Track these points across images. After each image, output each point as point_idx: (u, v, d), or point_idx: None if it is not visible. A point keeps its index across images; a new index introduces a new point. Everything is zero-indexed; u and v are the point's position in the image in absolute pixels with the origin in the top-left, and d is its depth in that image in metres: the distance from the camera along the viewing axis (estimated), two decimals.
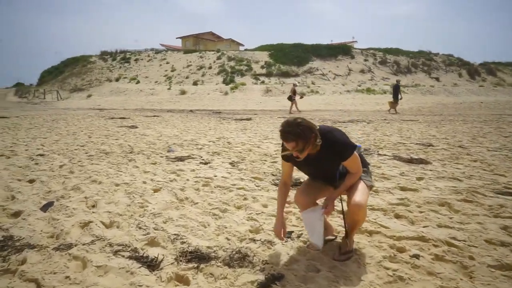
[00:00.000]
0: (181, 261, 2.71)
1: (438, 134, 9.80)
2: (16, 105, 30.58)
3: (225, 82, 37.84)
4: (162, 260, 2.72)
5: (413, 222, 3.46)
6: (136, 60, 46.73)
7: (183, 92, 34.71)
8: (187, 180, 5.15)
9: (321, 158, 2.69)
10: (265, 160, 6.51)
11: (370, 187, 2.82)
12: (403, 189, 4.53)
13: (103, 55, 48.44)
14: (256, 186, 4.80)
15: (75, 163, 6.24)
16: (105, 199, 4.17)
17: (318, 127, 2.63)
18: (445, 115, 17.34)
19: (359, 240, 3.05)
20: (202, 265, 2.64)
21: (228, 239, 3.15)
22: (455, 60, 48.27)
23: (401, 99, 19.59)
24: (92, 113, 19.55)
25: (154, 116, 17.21)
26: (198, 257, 2.74)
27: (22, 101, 35.00)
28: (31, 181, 5.04)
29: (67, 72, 45.34)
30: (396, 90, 19.38)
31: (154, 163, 6.30)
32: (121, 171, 5.65)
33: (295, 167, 2.89)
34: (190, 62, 43.88)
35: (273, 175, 5.47)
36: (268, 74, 39.76)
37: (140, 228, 3.34)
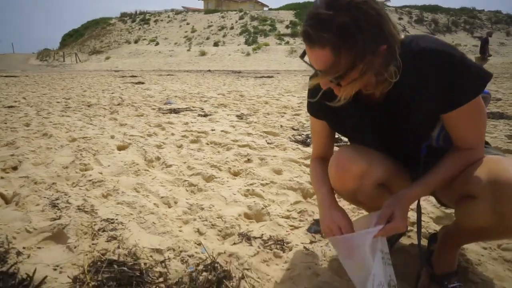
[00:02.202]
0: None
1: (502, 90, 7.82)
2: (35, 67, 29.95)
3: (247, 42, 35.70)
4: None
5: None
6: (155, 21, 45.01)
7: (203, 53, 32.98)
8: (172, 134, 3.67)
9: (398, 105, 1.14)
10: (284, 113, 4.93)
11: None
12: None
13: (123, 17, 47.00)
14: (268, 143, 3.27)
15: (41, 115, 4.89)
16: (36, 159, 2.77)
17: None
18: (497, 73, 14.86)
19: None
20: None
21: (201, 234, 1.67)
22: (503, 17, 43.38)
23: (489, 56, 15.11)
24: (105, 73, 18.31)
25: (168, 75, 15.74)
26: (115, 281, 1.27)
27: (42, 64, 34.44)
28: None
29: (87, 35, 44.38)
30: (485, 45, 14.63)
31: (139, 115, 4.86)
32: (91, 124, 4.24)
33: (336, 132, 1.40)
34: (211, 22, 41.73)
35: (293, 129, 3.90)
36: (293, 34, 37.10)
37: (54, 206, 1.90)
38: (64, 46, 44.77)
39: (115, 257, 1.43)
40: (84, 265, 1.38)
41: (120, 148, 3.19)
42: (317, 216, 1.80)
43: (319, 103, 1.17)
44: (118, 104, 5.95)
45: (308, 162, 2.78)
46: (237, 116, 4.77)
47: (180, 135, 3.64)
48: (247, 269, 1.34)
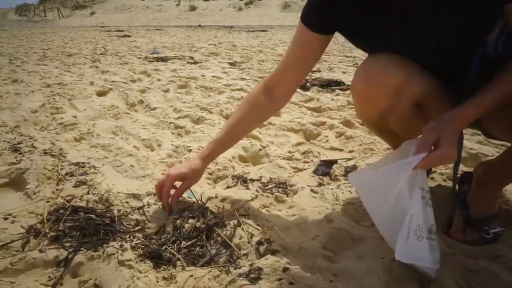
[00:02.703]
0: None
1: None
2: (14, 23, 28.32)
3: None
4: None
5: None
6: None
7: (192, 8, 31.44)
8: (158, 80, 3.33)
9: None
10: (279, 60, 4.56)
11: None
12: None
13: None
14: None
15: (14, 63, 4.46)
16: (1, 104, 2.43)
17: None
18: None
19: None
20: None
21: None
22: None
23: None
24: (90, 29, 17.32)
25: (157, 30, 14.92)
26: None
27: (22, 20, 32.62)
28: None
29: None
30: None
31: (123, 63, 4.47)
32: (68, 71, 3.86)
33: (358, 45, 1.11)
34: None
35: None
36: None
37: (15, 150, 1.61)
38: (45, 1, 42.37)
39: (83, 204, 1.17)
40: (44, 213, 1.12)
41: (100, 93, 2.86)
42: (324, 157, 1.55)
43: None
44: (101, 54, 5.51)
45: (309, 104, 2.50)
46: (230, 63, 4.41)
47: (167, 80, 3.30)
48: (244, 215, 1.10)
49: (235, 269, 0.90)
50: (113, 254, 0.90)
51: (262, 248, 0.96)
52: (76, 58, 4.99)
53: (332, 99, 2.55)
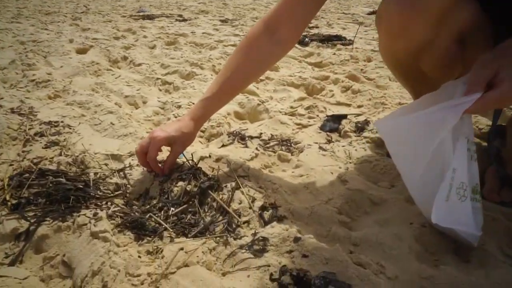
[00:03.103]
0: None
1: None
2: None
3: None
4: None
5: None
6: None
7: None
8: (144, 37, 3.06)
9: None
10: None
11: None
12: None
13: None
14: None
15: None
16: None
17: None
18: None
19: None
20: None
21: None
22: None
23: None
24: None
25: None
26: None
27: None
28: None
29: None
30: None
31: (107, 21, 4.14)
32: (45, 29, 3.54)
33: None
34: None
35: None
36: None
37: None
38: None
39: (54, 167, 1.00)
40: (4, 178, 0.94)
41: (80, 51, 2.60)
42: (330, 112, 1.37)
43: None
44: (82, 12, 5.12)
45: (309, 59, 2.29)
46: (221, 21, 4.10)
47: (154, 37, 3.03)
48: (244, 177, 0.93)
49: (234, 239, 0.74)
50: (85, 224, 0.74)
51: (266, 214, 0.80)
52: (55, 17, 4.62)
53: (334, 54, 2.34)
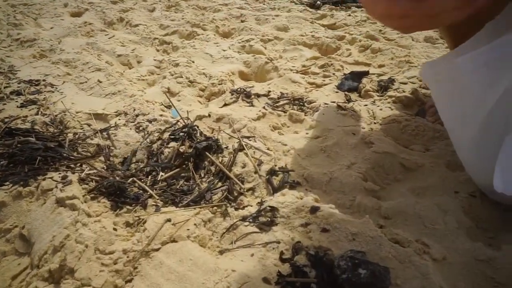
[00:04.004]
0: None
1: None
2: None
3: None
4: None
5: None
6: None
7: None
8: (144, 1, 2.85)
9: None
10: None
11: None
12: None
13: None
14: (268, 6, 2.50)
15: None
16: None
17: None
18: None
19: None
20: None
21: (173, 94, 1.07)
22: None
23: None
24: None
25: None
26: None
27: None
28: None
29: None
30: None
31: None
32: None
33: None
34: None
35: None
36: None
37: None
38: None
39: (27, 126, 0.85)
40: None
41: (74, 14, 2.42)
42: (348, 70, 1.20)
43: None
44: None
45: (322, 21, 2.08)
46: None
47: (154, 0, 2.83)
48: (248, 137, 0.78)
49: (236, 210, 0.60)
50: (51, 189, 0.60)
51: (275, 180, 0.65)
52: None
53: (349, 15, 2.13)
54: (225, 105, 0.98)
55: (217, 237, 0.55)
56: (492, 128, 0.52)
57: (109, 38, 1.69)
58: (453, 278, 0.48)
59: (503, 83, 0.50)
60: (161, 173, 0.70)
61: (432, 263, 0.48)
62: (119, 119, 0.89)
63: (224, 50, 1.45)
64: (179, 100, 1.02)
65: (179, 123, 0.83)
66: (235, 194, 0.64)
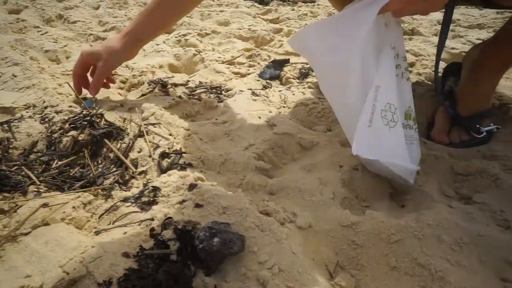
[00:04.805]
0: None
1: None
2: None
3: None
4: None
5: None
6: None
7: None
8: None
9: None
10: None
11: None
12: None
13: None
14: (213, 0, 2.50)
15: None
16: None
17: None
18: None
19: None
20: None
21: None
22: None
23: None
24: None
25: None
26: None
27: None
28: None
29: None
30: None
31: None
32: None
33: None
34: None
35: None
36: None
37: None
38: None
39: None
40: None
41: (13, 11, 2.33)
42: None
43: None
44: None
45: (266, 16, 2.11)
46: None
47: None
48: (154, 124, 0.78)
49: (122, 191, 0.59)
50: None
51: (166, 162, 0.65)
52: None
53: (293, 9, 2.17)
54: (142, 95, 0.97)
55: (95, 219, 0.55)
56: (354, 95, 0.54)
57: (41, 35, 1.64)
58: (316, 243, 0.51)
59: (352, 47, 0.50)
60: (56, 161, 0.68)
61: (294, 230, 0.50)
62: (27, 112, 0.87)
63: (157, 44, 1.44)
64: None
65: (84, 112, 0.81)
66: (127, 177, 0.64)
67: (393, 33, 0.53)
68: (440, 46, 0.70)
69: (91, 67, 0.93)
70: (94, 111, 0.83)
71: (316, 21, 0.57)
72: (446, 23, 0.65)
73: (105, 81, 0.93)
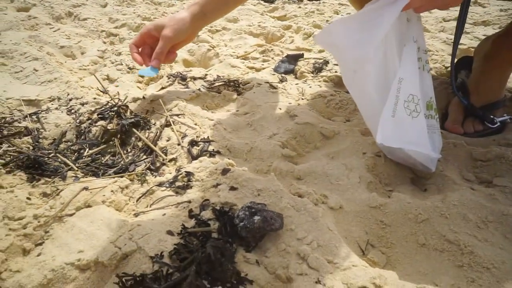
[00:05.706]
0: None
1: None
2: None
3: None
4: None
5: None
6: None
7: None
8: None
9: None
10: None
11: None
12: None
13: None
14: None
15: None
16: None
17: None
18: None
19: None
20: None
21: (111, 81, 1.08)
22: None
23: None
24: None
25: None
26: None
27: None
28: None
29: None
30: None
31: None
32: None
33: None
34: None
35: None
36: None
37: None
38: None
39: None
40: None
41: (21, 9, 2.35)
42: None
43: None
44: None
45: (274, 14, 2.14)
46: None
47: None
48: (178, 115, 0.80)
49: (156, 177, 0.62)
50: None
51: (196, 150, 0.68)
52: None
53: (300, 7, 2.19)
54: (162, 88, 1.00)
55: (133, 202, 0.57)
56: (379, 87, 0.57)
57: (54, 31, 1.66)
58: (347, 223, 0.53)
59: (375, 41, 0.53)
60: (87, 150, 0.71)
61: (327, 210, 0.53)
62: (52, 104, 0.89)
63: None
64: (117, 86, 1.03)
65: (109, 103, 0.84)
66: (158, 164, 0.66)
67: (415, 27, 0.55)
68: (457, 39, 0.73)
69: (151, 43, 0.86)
70: (117, 100, 0.85)
71: (341, 17, 0.60)
72: (462, 18, 0.68)
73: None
